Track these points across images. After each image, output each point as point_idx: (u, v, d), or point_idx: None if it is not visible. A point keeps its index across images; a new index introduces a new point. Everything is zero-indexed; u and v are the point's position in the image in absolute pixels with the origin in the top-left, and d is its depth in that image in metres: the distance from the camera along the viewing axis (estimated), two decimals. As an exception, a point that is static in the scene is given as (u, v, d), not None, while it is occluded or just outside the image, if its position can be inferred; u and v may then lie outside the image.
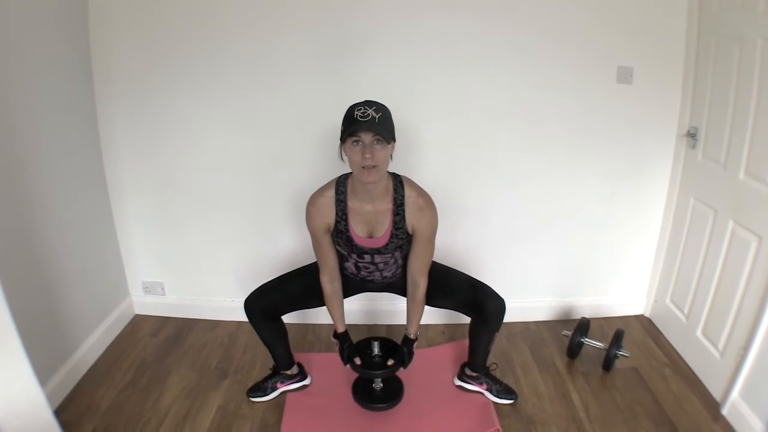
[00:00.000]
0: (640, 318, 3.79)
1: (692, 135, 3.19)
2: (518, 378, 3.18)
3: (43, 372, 2.49)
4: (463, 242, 3.49)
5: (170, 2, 3.10)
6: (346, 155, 2.31)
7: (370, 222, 2.45)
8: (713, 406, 2.91)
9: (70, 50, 3.06)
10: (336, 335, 2.79)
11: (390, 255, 2.54)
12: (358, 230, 2.47)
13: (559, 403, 2.99)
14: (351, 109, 2.24)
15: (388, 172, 2.42)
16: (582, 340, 3.28)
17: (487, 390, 2.99)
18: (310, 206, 2.48)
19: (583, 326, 3.29)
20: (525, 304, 3.68)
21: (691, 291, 3.25)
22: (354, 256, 2.57)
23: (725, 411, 2.83)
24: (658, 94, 3.27)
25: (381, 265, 2.60)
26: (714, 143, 3.03)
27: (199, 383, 3.13)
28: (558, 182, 3.45)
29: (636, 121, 3.31)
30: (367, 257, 2.55)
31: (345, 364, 2.79)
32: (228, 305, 3.69)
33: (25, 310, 2.31)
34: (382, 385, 2.93)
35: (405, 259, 2.65)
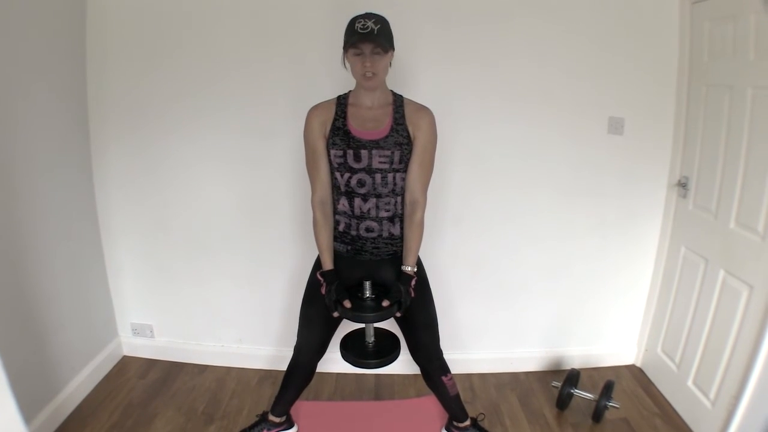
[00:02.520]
0: (630, 368, 3.76)
1: (683, 184, 3.22)
2: (507, 429, 3.15)
3: (28, 410, 2.47)
4: (453, 292, 3.48)
5: (167, 49, 3.19)
6: (348, 63, 2.38)
7: (371, 119, 2.43)
8: (704, 458, 2.89)
9: (67, 92, 3.12)
10: (322, 273, 2.55)
11: (389, 153, 2.40)
12: (356, 125, 2.43)
13: (548, 454, 2.96)
14: (352, 21, 2.31)
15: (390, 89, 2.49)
16: (572, 391, 3.26)
17: (475, 440, 2.94)
18: (311, 110, 2.48)
19: (572, 377, 3.27)
20: (514, 354, 3.66)
21: (682, 340, 3.25)
22: (350, 157, 2.40)
23: (716, 462, 2.80)
24: (648, 144, 3.33)
25: (378, 178, 2.42)
26: (705, 192, 3.06)
27: (186, 428, 3.09)
28: (548, 235, 3.48)
29: (627, 172, 3.36)
30: (365, 156, 2.40)
31: (332, 310, 2.49)
32: (217, 350, 3.67)
33: (12, 346, 2.30)
34: (374, 339, 2.68)
35: (402, 195, 2.52)
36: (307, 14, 3.11)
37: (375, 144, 2.39)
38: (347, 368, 3.53)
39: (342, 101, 2.48)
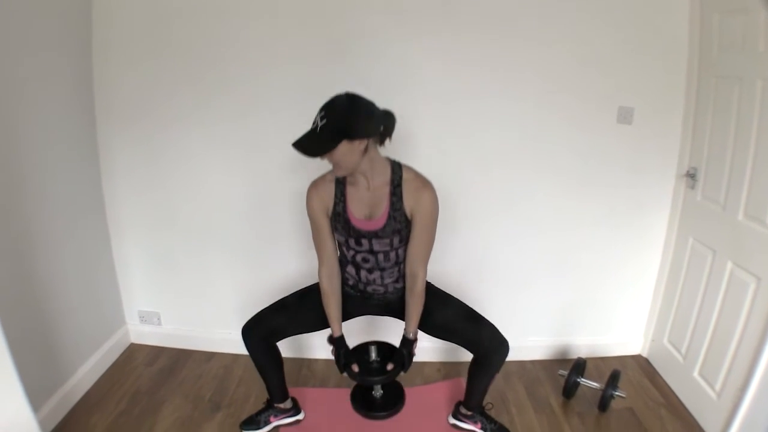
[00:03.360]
0: (637, 358, 3.77)
1: (692, 175, 3.21)
2: (513, 417, 3.16)
3: (36, 398, 2.47)
4: (461, 282, 3.45)
5: (172, 38, 3.17)
6: None
7: (368, 204, 2.44)
8: (709, 448, 2.89)
9: (74, 83, 3.12)
10: (331, 340, 2.69)
11: (388, 241, 2.48)
12: (356, 212, 2.45)
13: (554, 443, 2.96)
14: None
15: (387, 158, 2.46)
16: (578, 380, 3.26)
17: (481, 429, 2.96)
18: (310, 189, 2.50)
19: (579, 366, 3.28)
20: (521, 343, 3.64)
21: (688, 331, 3.25)
22: (352, 242, 2.50)
23: (721, 453, 2.81)
24: (658, 134, 3.31)
25: (381, 258, 2.53)
26: (713, 184, 3.05)
27: (193, 415, 3.11)
28: (557, 224, 3.47)
29: (635, 161, 3.34)
30: (365, 243, 2.50)
31: (341, 371, 2.67)
32: (224, 337, 3.68)
33: (20, 335, 2.31)
34: (381, 391, 2.85)
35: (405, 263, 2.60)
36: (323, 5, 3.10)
37: (374, 234, 2.47)
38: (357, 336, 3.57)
39: (340, 180, 2.47)
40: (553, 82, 3.19)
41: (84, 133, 3.24)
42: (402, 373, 2.67)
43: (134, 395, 3.25)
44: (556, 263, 3.55)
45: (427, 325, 2.67)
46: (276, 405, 2.97)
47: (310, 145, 2.25)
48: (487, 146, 3.30)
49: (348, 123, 2.22)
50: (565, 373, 3.29)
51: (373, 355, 2.72)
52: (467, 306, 2.75)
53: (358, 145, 2.25)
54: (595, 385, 3.23)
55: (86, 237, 3.32)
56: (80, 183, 3.24)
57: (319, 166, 2.40)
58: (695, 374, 3.15)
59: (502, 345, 2.65)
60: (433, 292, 2.67)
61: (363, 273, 2.61)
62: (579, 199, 3.42)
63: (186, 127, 3.30)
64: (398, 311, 2.72)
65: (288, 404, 3.01)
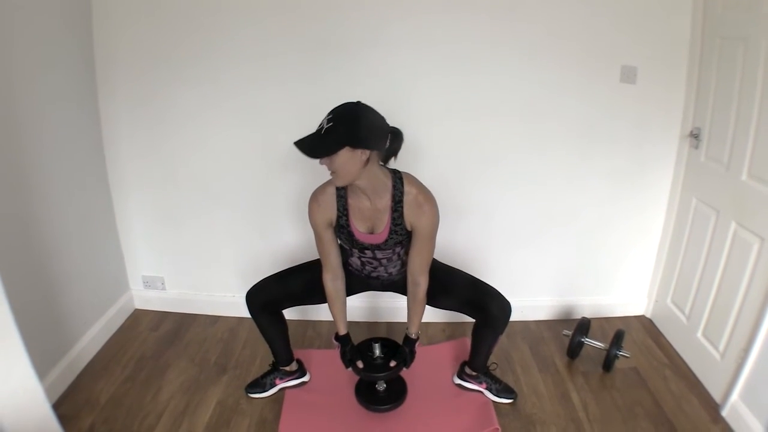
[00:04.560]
0: (641, 318, 3.78)
1: (695, 136, 3.18)
2: (518, 377, 3.18)
3: (41, 365, 2.49)
4: (465, 241, 3.48)
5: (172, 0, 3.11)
6: None
7: (370, 218, 2.45)
8: (713, 408, 2.90)
9: (73, 46, 3.07)
10: (337, 338, 2.78)
11: (390, 251, 2.54)
12: (359, 226, 2.47)
13: (558, 402, 2.98)
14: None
15: (389, 168, 2.42)
16: (582, 339, 3.27)
17: (486, 389, 2.98)
18: (312, 202, 2.49)
19: (583, 326, 3.29)
20: (525, 303, 3.66)
21: (692, 292, 3.24)
22: (356, 251, 2.58)
23: (725, 413, 2.82)
24: (661, 94, 3.26)
25: (384, 261, 2.60)
26: (717, 144, 3.01)
27: (198, 378, 3.13)
28: (560, 183, 3.45)
29: (639, 121, 3.30)
30: (369, 253, 2.56)
31: (347, 367, 2.77)
32: (228, 300, 3.70)
33: (24, 302, 2.31)
34: (385, 386, 2.91)
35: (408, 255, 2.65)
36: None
37: (376, 246, 2.53)
38: (360, 316, 3.58)
39: (341, 192, 2.45)
40: (556, 41, 3.14)
41: (84, 94, 3.20)
42: (404, 369, 2.79)
43: (140, 360, 3.26)
44: (559, 222, 3.54)
45: (433, 303, 2.78)
46: (281, 367, 2.99)
47: (312, 144, 2.22)
48: (490, 104, 3.26)
49: (353, 130, 2.18)
50: (570, 333, 3.30)
51: (377, 352, 2.81)
52: (470, 276, 2.80)
53: (360, 155, 2.21)
54: (599, 345, 3.24)
55: (88, 202, 3.31)
56: (81, 146, 3.21)
57: (317, 168, 2.36)
58: (699, 335, 3.15)
59: (506, 309, 2.68)
60: (436, 269, 2.68)
61: (368, 268, 2.69)
62: (582, 156, 3.39)
63: (189, 87, 3.25)
64: (402, 288, 2.77)
65: (293, 366, 3.02)
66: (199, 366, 3.24)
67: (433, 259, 2.64)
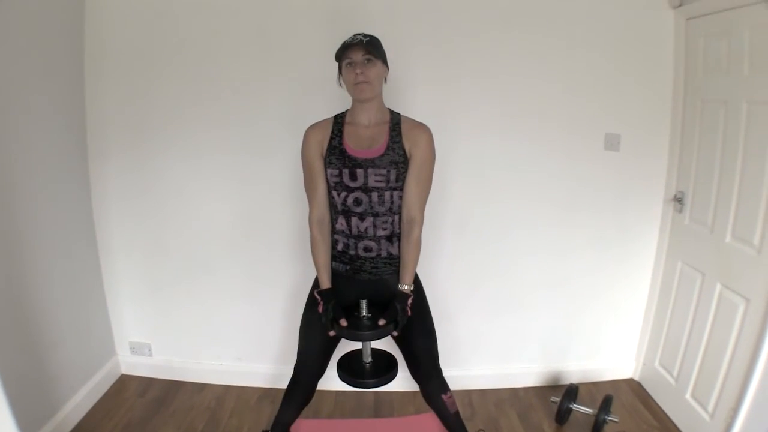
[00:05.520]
0: (629, 381, 3.76)
1: (679, 199, 3.24)
2: (507, 444, 3.15)
3: (27, 429, 2.46)
4: (452, 308, 3.48)
5: (164, 66, 3.22)
6: (343, 82, 2.42)
7: (366, 138, 2.44)
8: (704, 471, 2.89)
9: (65, 110, 3.15)
10: (319, 292, 2.55)
11: (385, 172, 2.40)
12: (352, 145, 2.43)
13: (548, 468, 2.95)
14: (344, 42, 2.37)
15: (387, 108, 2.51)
16: (571, 406, 3.25)
17: (475, 455, 2.92)
18: (308, 130, 2.50)
19: (571, 392, 3.27)
20: (513, 370, 3.66)
21: (680, 354, 3.25)
22: (346, 175, 2.41)
23: (716, 474, 2.80)
24: (645, 159, 3.35)
25: (375, 197, 2.42)
26: (701, 207, 3.08)
27: (185, 447, 3.08)
28: (545, 250, 3.50)
29: (623, 188, 3.39)
30: (360, 175, 2.40)
31: (329, 328, 2.46)
32: (215, 368, 3.67)
33: (10, 365, 2.30)
34: (371, 359, 2.62)
35: (399, 214, 2.51)
36: (305, 32, 3.14)
37: (370, 163, 2.40)
38: (347, 386, 3.53)
39: (339, 120, 2.49)
40: (540, 112, 3.24)
41: (75, 161, 3.26)
42: (394, 333, 2.48)
43: (126, 427, 3.22)
44: (546, 289, 3.57)
45: (403, 338, 2.60)
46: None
47: (369, 43, 2.33)
48: (477, 174, 3.33)
49: (382, 48, 2.38)
50: (558, 399, 3.28)
51: (364, 311, 2.46)
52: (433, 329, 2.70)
53: (384, 72, 2.40)
54: (587, 410, 3.22)
55: (76, 267, 3.31)
56: (71, 211, 3.25)
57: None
58: (688, 396, 3.15)
59: (438, 374, 2.67)
60: (420, 303, 2.62)
61: (354, 221, 2.47)
62: (568, 226, 3.45)
63: (179, 157, 3.33)
64: (387, 296, 2.53)
65: (282, 437, 2.96)
66: (185, 434, 3.19)
67: (423, 290, 2.63)
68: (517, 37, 3.16)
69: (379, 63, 2.35)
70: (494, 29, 3.15)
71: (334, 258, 2.57)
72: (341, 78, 2.42)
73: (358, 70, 2.31)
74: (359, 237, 2.49)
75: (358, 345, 2.62)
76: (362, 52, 2.31)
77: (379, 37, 2.38)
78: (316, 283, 2.61)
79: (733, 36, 2.76)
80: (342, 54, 2.33)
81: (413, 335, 2.59)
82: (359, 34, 2.34)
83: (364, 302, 2.46)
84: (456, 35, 3.15)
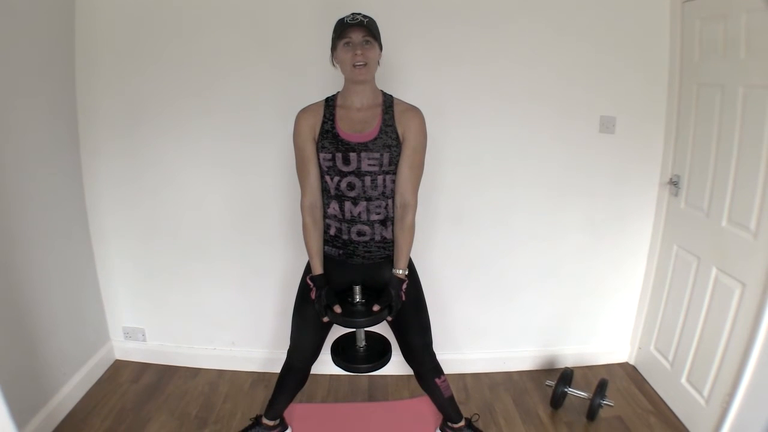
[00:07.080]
0: (624, 366, 3.77)
1: (675, 183, 3.24)
2: (501, 429, 3.15)
3: (20, 416, 2.45)
4: (447, 292, 3.47)
5: (156, 52, 3.19)
6: (337, 61, 2.38)
7: (359, 121, 2.41)
8: (699, 455, 2.89)
9: (56, 98, 3.12)
10: (312, 278, 2.53)
11: (378, 156, 2.38)
12: (345, 128, 2.40)
13: (542, 453, 2.96)
14: (340, 19, 2.34)
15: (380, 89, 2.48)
16: (565, 390, 3.26)
17: (470, 441, 2.93)
18: (299, 113, 2.46)
19: (566, 376, 3.28)
20: (508, 354, 3.67)
21: (675, 338, 3.26)
22: (339, 160, 2.38)
23: (711, 459, 2.81)
24: (640, 142, 3.34)
25: (368, 181, 2.40)
26: (696, 191, 3.07)
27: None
28: (541, 234, 3.49)
29: (619, 171, 3.37)
30: (354, 160, 2.37)
31: (322, 315, 2.46)
32: (210, 353, 3.66)
33: (3, 352, 2.28)
34: (365, 343, 2.64)
35: (393, 198, 2.49)
36: (298, 16, 3.11)
37: (363, 146, 2.37)
38: (341, 370, 3.53)
39: (330, 103, 2.46)
40: (535, 95, 3.22)
41: (66, 148, 3.23)
42: (388, 318, 2.47)
43: (120, 412, 3.21)
44: (541, 273, 3.56)
45: (397, 322, 2.58)
46: (263, 422, 2.93)
47: (370, 24, 2.32)
48: (472, 161, 3.32)
49: (379, 30, 2.36)
50: (553, 383, 3.29)
51: (358, 297, 2.45)
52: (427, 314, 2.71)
53: (380, 55, 2.37)
54: (582, 394, 3.23)
55: (69, 253, 3.29)
56: (63, 199, 3.22)
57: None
58: (683, 381, 3.16)
59: (431, 359, 2.70)
60: (415, 288, 2.62)
61: (347, 205, 2.44)
62: (563, 209, 3.44)
63: (171, 139, 3.30)
64: (381, 281, 2.54)
65: (276, 421, 2.96)
66: (179, 420, 3.18)
67: (419, 284, 2.64)
68: (510, 22, 3.13)
69: (376, 45, 2.33)
70: (486, 15, 3.12)
71: (326, 242, 2.54)
72: (334, 57, 2.39)
73: (358, 51, 2.28)
74: (352, 221, 2.46)
75: (351, 329, 2.62)
76: (362, 33, 2.28)
77: (374, 15, 2.36)
78: (308, 269, 2.59)
79: (730, 19, 2.74)
80: (341, 32, 2.30)
81: (407, 320, 2.59)
82: (358, 14, 2.30)
83: (357, 288, 2.45)
84: (452, 20, 3.12)
